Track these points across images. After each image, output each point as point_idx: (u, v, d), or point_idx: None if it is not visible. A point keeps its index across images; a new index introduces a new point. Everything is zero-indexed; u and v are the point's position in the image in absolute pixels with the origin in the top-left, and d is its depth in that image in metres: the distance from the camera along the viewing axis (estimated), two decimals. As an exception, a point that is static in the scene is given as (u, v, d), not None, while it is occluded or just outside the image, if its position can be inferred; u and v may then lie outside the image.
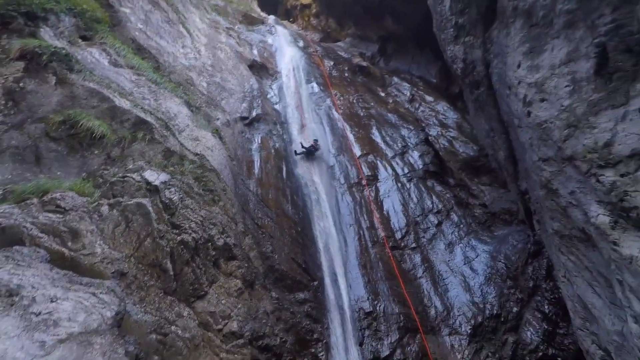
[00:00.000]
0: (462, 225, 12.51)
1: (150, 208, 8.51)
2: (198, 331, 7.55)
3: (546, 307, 9.55)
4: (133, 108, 9.90)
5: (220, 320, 7.91)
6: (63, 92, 8.84)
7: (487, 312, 9.93)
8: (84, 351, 5.30)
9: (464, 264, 11.38)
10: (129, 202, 8.35)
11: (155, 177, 9.13)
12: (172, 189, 9.09)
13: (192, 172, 9.87)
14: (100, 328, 5.72)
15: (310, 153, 14.65)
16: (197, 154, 10.50)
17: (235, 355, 7.55)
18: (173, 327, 7.33)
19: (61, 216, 7.20)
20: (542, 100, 6.46)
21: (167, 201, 8.84)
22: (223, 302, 8.24)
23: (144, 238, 8.04)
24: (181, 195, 9.12)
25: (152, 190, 8.82)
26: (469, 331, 9.63)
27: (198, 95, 13.29)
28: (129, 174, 8.85)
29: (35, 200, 7.11)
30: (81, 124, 8.49)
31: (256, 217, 11.03)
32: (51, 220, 7.06)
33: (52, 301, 5.59)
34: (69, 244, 6.98)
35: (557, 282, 8.57)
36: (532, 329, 9.35)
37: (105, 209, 8.01)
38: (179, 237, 8.43)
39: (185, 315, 7.68)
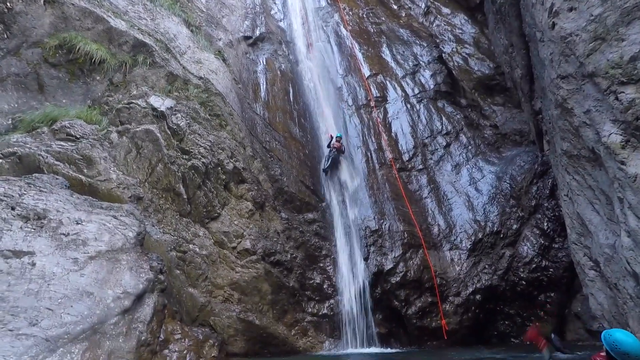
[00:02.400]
0: (470, 147, 12.44)
1: (158, 134, 8.61)
2: (214, 249, 8.19)
3: (545, 224, 9.91)
4: (130, 29, 9.42)
5: (234, 239, 8.50)
6: (54, 13, 8.38)
7: (488, 229, 10.38)
8: (112, 266, 5.86)
9: (470, 184, 11.58)
10: (137, 129, 8.44)
11: (160, 103, 9.06)
12: (179, 115, 9.07)
13: (197, 97, 9.73)
14: (124, 247, 6.24)
15: (336, 161, 11.84)
16: (201, 78, 10.23)
17: (250, 270, 8.27)
18: (191, 246, 7.94)
19: (73, 144, 7.39)
20: (571, 9, 5.97)
21: (174, 127, 8.89)
22: (236, 222, 8.75)
23: (155, 164, 8.29)
24: (188, 121, 9.13)
25: (159, 116, 8.83)
26: (469, 246, 10.20)
27: (197, 12, 12.45)
28: (134, 101, 8.79)
29: (45, 129, 7.24)
30: (78, 48, 8.21)
31: (264, 141, 11.10)
32: (64, 149, 7.27)
33: (77, 223, 6.04)
34: (85, 170, 7.27)
35: (559, 201, 8.76)
36: (529, 244, 9.85)
37: (114, 136, 8.15)
38: (189, 162, 8.66)
39: (201, 234, 8.25)
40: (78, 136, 7.41)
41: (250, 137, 10.65)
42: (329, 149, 11.88)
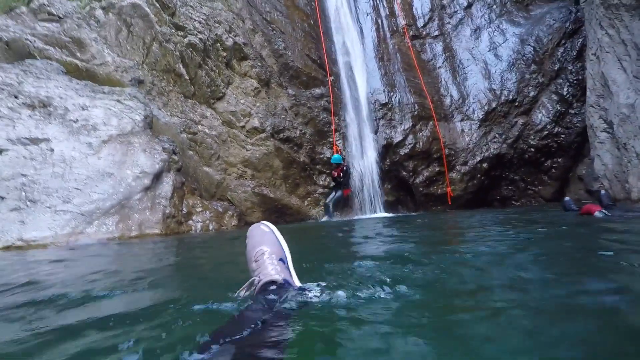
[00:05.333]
0: (495, 7, 11.07)
1: (147, 9, 7.91)
2: (223, 129, 8.30)
3: (565, 89, 9.41)
4: None
5: (242, 118, 8.51)
6: None
7: (503, 98, 9.97)
8: (126, 149, 6.11)
9: (489, 50, 10.69)
10: (123, 3, 7.74)
11: (141, -30, 8.03)
12: (164, -16, 8.13)
13: (181, -39, 8.54)
14: (134, 130, 6.39)
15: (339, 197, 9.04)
16: None
17: (260, 147, 8.50)
18: (200, 127, 8.05)
19: (58, 25, 6.92)
20: None
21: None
22: (242, 101, 8.64)
23: (150, 43, 7.83)
24: (176, -9, 8.23)
25: (143, -13, 7.94)
26: (480, 116, 9.99)
27: None
28: (111, -31, 7.81)
29: (24, 8, 6.71)
30: None
31: (264, 12, 10.09)
32: (50, 31, 6.84)
33: (83, 109, 6.08)
34: (78, 54, 6.98)
35: (585, 62, 8.12)
36: (544, 111, 9.55)
37: (99, 13, 7.53)
38: (185, 40, 8.14)
39: (208, 115, 8.28)
40: (61, 15, 6.88)
41: (249, 8, 9.66)
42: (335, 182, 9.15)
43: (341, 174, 8.92)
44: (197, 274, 2.44)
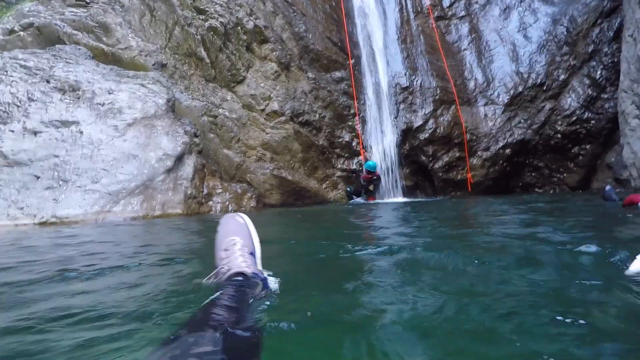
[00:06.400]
0: (527, -17, 10.53)
1: (169, -8, 8.00)
2: (243, 112, 8.43)
3: (599, 72, 8.93)
4: None
5: (262, 101, 8.61)
6: None
7: (531, 81, 9.59)
8: (150, 131, 6.35)
9: (518, 31, 10.22)
10: (146, -12, 7.85)
11: (163, -47, 8.11)
12: (186, -33, 8.19)
13: (202, -58, 8.54)
14: (157, 113, 6.61)
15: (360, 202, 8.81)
16: None
17: (280, 130, 8.60)
18: (220, 110, 8.21)
19: (85, 10, 7.14)
20: None
21: (184, -17, 8.15)
22: (262, 85, 8.72)
23: (172, 27, 7.97)
24: (197, -26, 8.27)
25: (165, -30, 8.03)
26: (506, 101, 9.67)
27: None
28: (135, -48, 7.92)
29: (53, -6, 6.94)
30: None
31: (285, -7, 10.01)
32: (78, 16, 7.08)
33: (109, 93, 6.33)
34: (104, 39, 7.21)
35: (621, 44, 7.67)
36: (574, 96, 9.13)
37: (124, -3, 7.69)
38: (206, 23, 8.23)
39: (229, 99, 8.42)
40: (87, 1, 7.09)
41: (269, -11, 9.60)
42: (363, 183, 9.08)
43: (370, 181, 8.91)
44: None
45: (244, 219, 1.52)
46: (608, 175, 8.59)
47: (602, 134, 8.87)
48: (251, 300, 1.12)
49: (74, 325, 1.10)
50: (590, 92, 8.97)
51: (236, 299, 1.05)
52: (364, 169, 9.07)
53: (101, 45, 7.04)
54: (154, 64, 7.35)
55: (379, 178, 9.13)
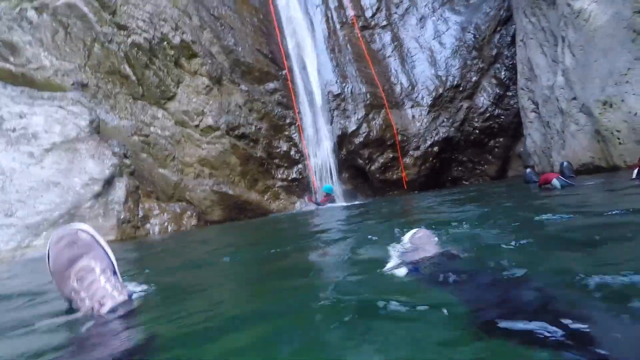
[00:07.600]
0: (438, -5, 11.58)
1: (84, 8, 7.62)
2: (176, 129, 8.21)
3: (503, 72, 10.10)
4: None
5: (195, 117, 8.45)
6: None
7: (449, 83, 10.53)
8: (73, 156, 5.95)
9: (434, 38, 11.19)
10: (57, 3, 7.40)
11: (74, -33, 7.69)
12: (101, -18, 7.84)
13: (117, -44, 8.23)
14: (80, 136, 6.22)
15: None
16: None
17: (216, 145, 8.49)
18: (152, 128, 7.92)
19: (-14, 29, 6.53)
20: None
21: (99, -2, 7.78)
22: (194, 100, 8.56)
23: (90, 45, 7.57)
24: (114, -11, 7.95)
25: (77, -15, 7.62)
26: (429, 102, 10.50)
27: None
28: (41, -33, 7.42)
29: (-56, 12, 6.27)
30: None
31: (211, 7, 9.94)
32: (-23, 35, 6.44)
33: (21, 117, 5.84)
34: (11, 59, 6.63)
35: (516, 47, 8.75)
36: (485, 95, 10.21)
37: (32, 14, 7.17)
38: (129, 39, 7.92)
39: (160, 116, 8.15)
40: (-12, 19, 6.49)
41: (195, 4, 9.49)
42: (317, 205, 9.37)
43: (327, 201, 9.35)
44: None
45: (89, 232, 1.25)
46: (519, 163, 9.68)
47: (511, 127, 9.99)
48: (132, 320, 1.02)
49: None
50: (498, 91, 10.08)
51: (117, 325, 0.96)
52: (321, 193, 9.59)
53: (7, 65, 6.48)
54: (72, 84, 6.91)
55: (334, 199, 9.65)
